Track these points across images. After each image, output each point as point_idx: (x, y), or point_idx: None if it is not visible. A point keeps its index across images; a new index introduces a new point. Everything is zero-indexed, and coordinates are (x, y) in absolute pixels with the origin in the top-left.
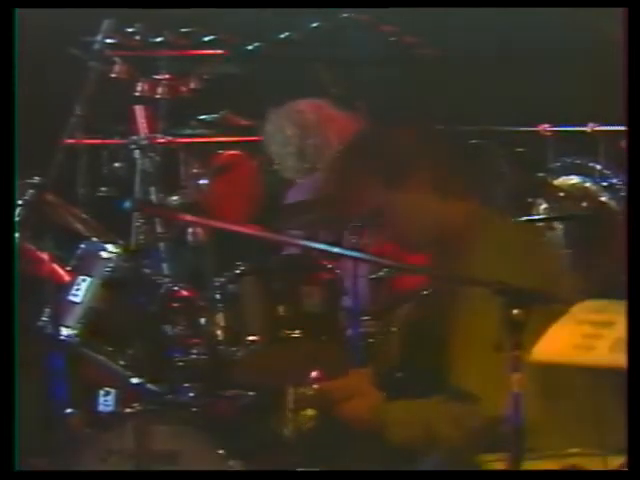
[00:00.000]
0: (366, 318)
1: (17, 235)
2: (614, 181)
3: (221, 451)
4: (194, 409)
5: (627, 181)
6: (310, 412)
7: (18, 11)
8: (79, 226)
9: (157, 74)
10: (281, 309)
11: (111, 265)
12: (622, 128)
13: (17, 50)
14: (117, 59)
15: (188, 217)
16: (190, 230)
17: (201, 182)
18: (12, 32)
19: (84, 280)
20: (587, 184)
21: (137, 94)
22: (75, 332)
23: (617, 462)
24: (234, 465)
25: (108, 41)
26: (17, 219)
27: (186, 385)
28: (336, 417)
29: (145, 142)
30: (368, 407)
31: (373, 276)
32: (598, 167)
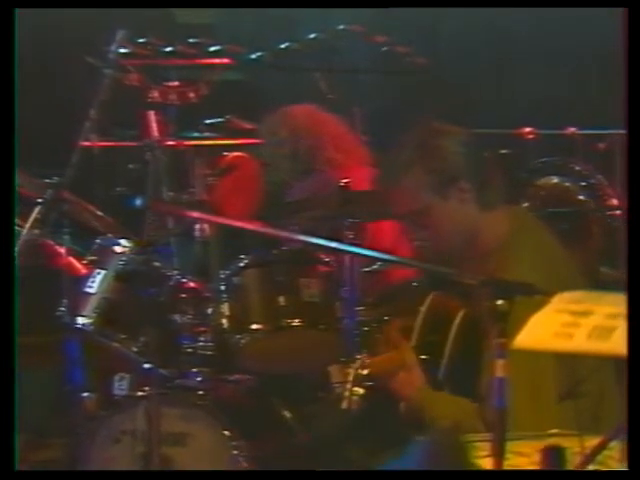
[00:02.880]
0: (361, 308)
1: (37, 231)
2: (592, 181)
3: (226, 432)
4: (201, 392)
5: (627, 182)
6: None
7: (20, 12)
8: (95, 223)
9: (167, 81)
10: (282, 299)
11: (124, 259)
12: (600, 132)
13: (31, 55)
14: (130, 67)
15: (196, 214)
16: (197, 226)
17: (208, 181)
18: (12, 32)
19: (99, 273)
20: (566, 184)
21: (149, 100)
22: (90, 321)
23: (593, 442)
24: (238, 445)
25: (122, 51)
26: (37, 216)
27: (194, 370)
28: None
29: (156, 145)
30: (412, 385)
31: (368, 269)
32: (577, 168)
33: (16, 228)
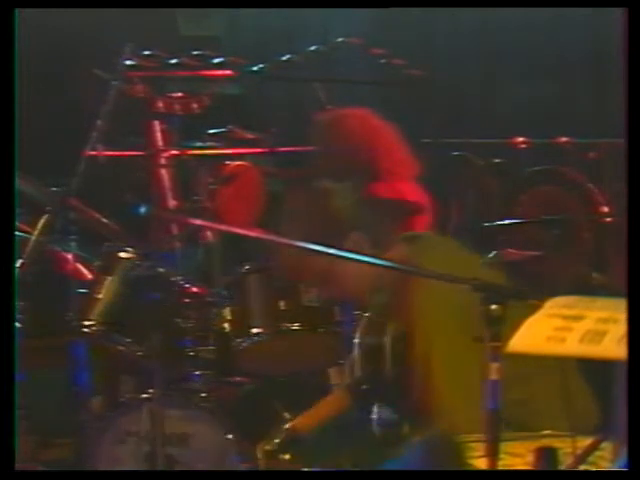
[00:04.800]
0: (358, 312)
1: (45, 238)
2: (583, 189)
3: (228, 432)
4: (204, 394)
5: (627, 186)
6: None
7: (21, 14)
8: (101, 230)
9: (171, 92)
10: (282, 304)
11: (130, 264)
12: (591, 140)
13: (41, 67)
14: (136, 79)
15: (198, 221)
16: (201, 233)
17: (210, 190)
18: (12, 32)
19: (105, 278)
20: (558, 192)
21: (153, 110)
22: (97, 325)
23: (585, 442)
24: (239, 445)
25: (128, 63)
26: (45, 224)
27: (197, 372)
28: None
29: (160, 154)
30: None
31: None
32: (569, 176)
33: (25, 235)
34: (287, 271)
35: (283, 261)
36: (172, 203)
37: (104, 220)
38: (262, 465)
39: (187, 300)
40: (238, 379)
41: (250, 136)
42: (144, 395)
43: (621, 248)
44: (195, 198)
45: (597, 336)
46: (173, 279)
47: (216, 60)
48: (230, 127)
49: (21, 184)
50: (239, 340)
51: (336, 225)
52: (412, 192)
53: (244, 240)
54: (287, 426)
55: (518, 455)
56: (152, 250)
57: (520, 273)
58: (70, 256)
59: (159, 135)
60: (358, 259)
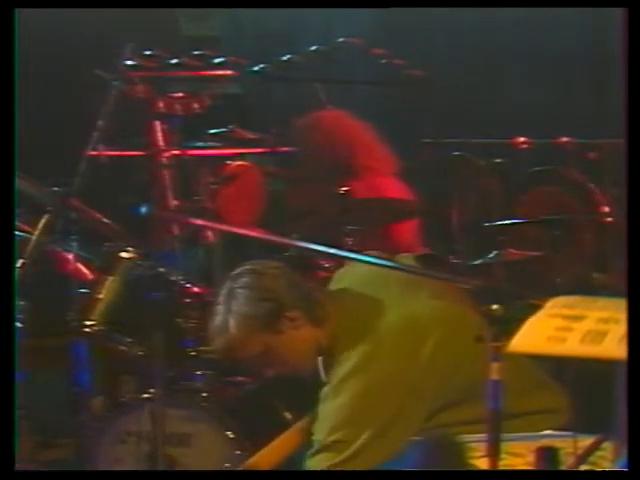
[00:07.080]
0: None
1: (46, 238)
2: (584, 189)
3: (229, 433)
4: (205, 394)
5: (626, 185)
6: None
7: (21, 15)
8: (102, 230)
9: (172, 92)
10: None
11: (131, 264)
12: (592, 141)
13: (44, 68)
14: (136, 79)
15: (199, 221)
16: (201, 233)
17: (211, 189)
18: (12, 32)
19: (106, 278)
20: (559, 192)
21: (154, 110)
22: (98, 325)
23: (586, 442)
24: (241, 446)
25: (129, 63)
26: (46, 224)
27: (198, 372)
28: None
29: (161, 154)
30: None
31: None
32: (570, 176)
33: (25, 235)
34: (224, 352)
35: (220, 343)
36: (173, 203)
37: (105, 220)
38: None
39: (188, 300)
40: (239, 379)
41: (251, 136)
42: (145, 395)
43: (622, 248)
44: (196, 198)
45: (598, 336)
46: (174, 279)
47: (217, 60)
48: (231, 127)
49: (21, 184)
50: None
51: (269, 310)
52: (393, 187)
53: (245, 240)
54: (248, 462)
55: (519, 455)
56: (153, 250)
57: (520, 273)
58: (71, 256)
59: (160, 135)
60: (358, 259)
